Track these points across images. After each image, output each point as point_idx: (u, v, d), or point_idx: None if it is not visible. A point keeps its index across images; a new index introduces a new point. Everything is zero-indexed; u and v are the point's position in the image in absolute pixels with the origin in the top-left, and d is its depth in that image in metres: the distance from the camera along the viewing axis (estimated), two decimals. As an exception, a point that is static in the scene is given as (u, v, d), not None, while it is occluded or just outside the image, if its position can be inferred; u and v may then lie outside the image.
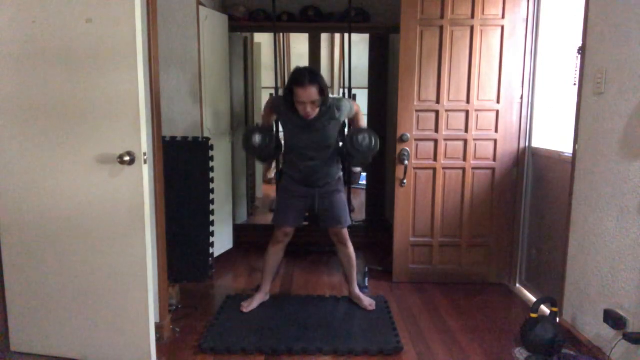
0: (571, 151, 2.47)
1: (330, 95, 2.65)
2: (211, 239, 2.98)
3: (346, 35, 3.75)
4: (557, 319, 2.43)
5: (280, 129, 3.01)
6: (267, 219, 4.56)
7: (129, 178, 2.04)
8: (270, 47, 4.19)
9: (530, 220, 3.15)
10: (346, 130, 3.07)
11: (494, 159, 3.16)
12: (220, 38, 3.53)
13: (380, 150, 2.73)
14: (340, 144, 2.80)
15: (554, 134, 2.98)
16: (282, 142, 2.86)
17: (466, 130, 3.14)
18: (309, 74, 2.49)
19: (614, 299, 2.14)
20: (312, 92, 2.47)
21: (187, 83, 3.14)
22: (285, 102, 2.60)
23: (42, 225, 2.17)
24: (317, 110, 2.57)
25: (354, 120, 2.85)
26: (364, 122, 2.86)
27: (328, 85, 2.67)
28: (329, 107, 2.61)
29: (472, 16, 3.03)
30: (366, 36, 4.30)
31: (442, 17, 3.04)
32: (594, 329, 2.27)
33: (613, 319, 2.10)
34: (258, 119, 5.00)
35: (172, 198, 2.72)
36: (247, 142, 2.70)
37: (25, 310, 2.26)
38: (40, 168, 2.13)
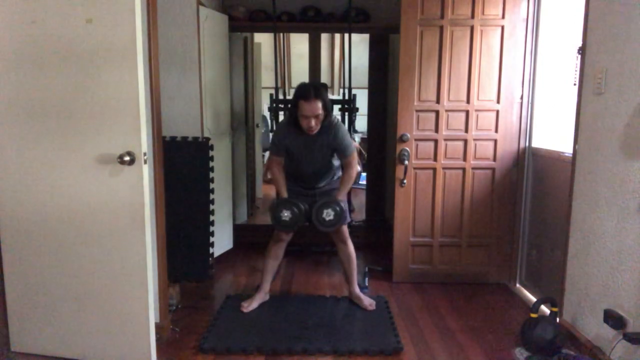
0: (571, 151, 2.47)
1: (336, 116, 2.70)
2: (211, 239, 2.99)
3: (346, 35, 3.75)
4: (557, 319, 2.43)
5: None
6: (267, 219, 4.53)
7: (129, 178, 2.04)
8: (270, 47, 4.19)
9: (530, 220, 3.15)
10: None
11: (494, 159, 3.16)
12: (220, 38, 3.53)
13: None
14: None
15: (554, 134, 2.97)
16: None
17: (466, 130, 3.14)
18: (314, 90, 2.55)
19: (614, 299, 2.14)
20: (317, 106, 2.53)
21: (187, 83, 3.14)
22: (289, 119, 2.67)
23: (42, 225, 2.17)
24: (319, 125, 2.61)
25: (342, 169, 2.80)
26: (349, 183, 2.76)
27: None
28: (329, 124, 2.65)
29: (472, 16, 3.03)
30: (366, 36, 4.30)
31: (442, 17, 3.04)
32: (594, 329, 2.27)
33: (613, 319, 2.10)
34: (258, 119, 5.01)
35: (172, 198, 2.72)
36: (278, 222, 2.70)
37: (25, 310, 2.26)
38: (40, 168, 2.13)
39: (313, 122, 2.56)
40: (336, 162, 2.85)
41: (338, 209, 2.66)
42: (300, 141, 2.68)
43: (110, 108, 2.02)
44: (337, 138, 2.67)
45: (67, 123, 2.07)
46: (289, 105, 2.68)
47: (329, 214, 2.66)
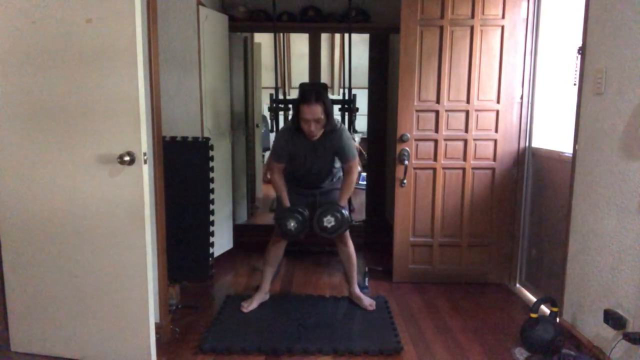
0: (571, 151, 2.47)
1: (338, 121, 2.71)
2: (211, 239, 2.99)
3: (346, 35, 3.75)
4: (557, 319, 2.42)
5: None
6: (267, 219, 4.56)
7: (129, 178, 2.04)
8: (270, 47, 4.19)
9: (530, 220, 3.15)
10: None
11: (494, 159, 3.16)
12: (220, 38, 3.53)
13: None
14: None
15: (554, 134, 2.98)
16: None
17: (466, 130, 3.14)
18: (316, 93, 2.55)
19: (614, 299, 2.14)
20: (317, 110, 2.52)
21: (187, 83, 3.14)
22: (291, 124, 2.68)
23: (42, 225, 2.16)
24: (321, 131, 2.60)
25: (344, 174, 2.79)
26: (350, 189, 2.76)
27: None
28: (333, 129, 2.65)
29: (472, 16, 3.03)
30: (366, 36, 4.30)
31: (442, 17, 3.04)
32: (594, 329, 2.27)
33: (613, 319, 2.10)
34: (258, 119, 5.01)
35: (172, 198, 2.72)
36: (284, 232, 2.69)
37: (25, 310, 2.26)
38: (40, 168, 2.13)
39: (313, 126, 2.55)
40: (337, 164, 2.85)
41: (339, 215, 2.65)
42: (304, 145, 2.67)
43: (110, 108, 2.02)
44: (341, 141, 2.67)
45: (67, 123, 2.06)
46: (291, 108, 2.66)
47: (329, 221, 2.64)
